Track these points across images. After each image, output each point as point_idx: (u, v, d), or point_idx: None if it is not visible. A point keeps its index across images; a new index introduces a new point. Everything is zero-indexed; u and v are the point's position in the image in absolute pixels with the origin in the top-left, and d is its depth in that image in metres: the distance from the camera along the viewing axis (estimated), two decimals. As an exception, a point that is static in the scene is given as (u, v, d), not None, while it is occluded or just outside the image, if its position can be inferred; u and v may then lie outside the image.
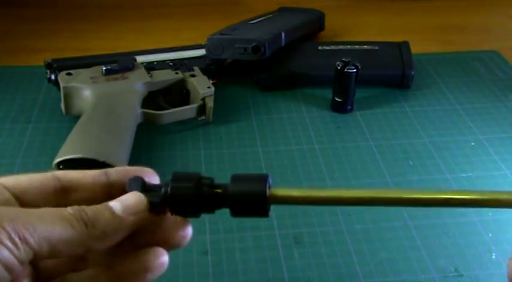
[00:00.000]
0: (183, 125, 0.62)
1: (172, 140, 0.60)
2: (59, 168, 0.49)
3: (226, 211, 0.31)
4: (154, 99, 0.62)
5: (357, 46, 0.73)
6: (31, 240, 0.25)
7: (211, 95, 0.61)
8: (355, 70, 0.62)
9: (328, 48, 0.73)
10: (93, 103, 0.56)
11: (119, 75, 0.60)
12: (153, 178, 0.32)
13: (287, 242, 0.48)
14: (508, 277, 0.31)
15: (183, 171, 0.32)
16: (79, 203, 0.29)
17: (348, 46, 0.73)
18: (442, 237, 0.48)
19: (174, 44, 0.69)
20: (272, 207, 0.31)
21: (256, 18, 0.76)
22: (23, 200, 0.29)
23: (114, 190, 0.31)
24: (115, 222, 0.28)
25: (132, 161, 0.52)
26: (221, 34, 0.66)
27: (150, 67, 0.63)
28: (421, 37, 0.84)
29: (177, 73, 0.63)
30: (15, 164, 0.55)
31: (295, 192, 0.32)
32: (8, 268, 0.24)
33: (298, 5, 0.86)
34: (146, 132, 0.60)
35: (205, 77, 0.63)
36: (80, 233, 0.27)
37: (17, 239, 0.25)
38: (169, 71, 0.63)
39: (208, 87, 0.61)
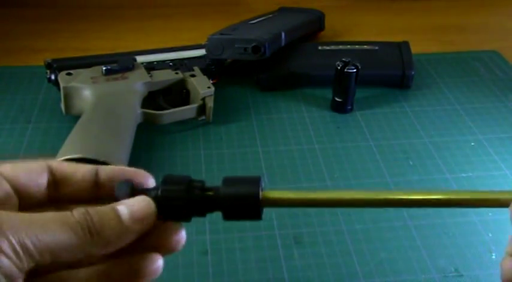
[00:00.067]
0: (183, 125, 0.62)
1: (172, 140, 0.60)
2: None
3: (226, 211, 0.31)
4: (154, 99, 0.62)
5: (357, 46, 0.73)
6: (33, 251, 0.25)
7: (211, 95, 0.61)
8: (355, 70, 0.62)
9: (328, 48, 0.73)
10: (93, 103, 0.56)
11: (119, 75, 0.60)
12: (149, 181, 0.32)
13: (287, 242, 0.48)
14: (502, 278, 0.31)
15: (173, 174, 0.31)
16: (69, 196, 0.29)
17: (348, 46, 0.73)
18: (442, 237, 0.48)
19: (174, 44, 0.69)
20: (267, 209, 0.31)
21: (256, 18, 0.76)
22: (20, 191, 0.29)
23: (103, 189, 0.31)
24: (120, 230, 0.28)
25: (132, 161, 0.52)
26: (221, 34, 0.66)
27: (150, 67, 0.63)
28: (421, 37, 0.84)
29: (177, 73, 0.63)
30: (15, 164, 0.55)
31: (288, 195, 0.31)
32: (8, 277, 0.24)
33: (298, 5, 0.86)
34: (146, 132, 0.60)
35: (205, 77, 0.63)
36: (84, 241, 0.27)
37: (19, 249, 0.24)
38: (169, 71, 0.63)
39: (208, 87, 0.61)
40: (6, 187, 0.29)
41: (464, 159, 0.58)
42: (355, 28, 0.88)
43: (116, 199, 0.30)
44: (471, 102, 0.68)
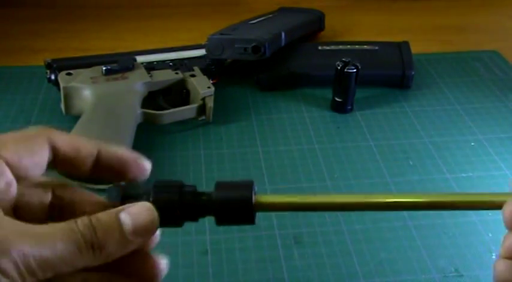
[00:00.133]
0: (183, 125, 0.62)
1: (172, 140, 0.60)
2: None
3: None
4: (154, 99, 0.62)
5: (357, 46, 0.73)
6: (37, 270, 0.25)
7: (211, 95, 0.61)
8: (355, 70, 0.61)
9: (328, 48, 0.73)
10: (93, 103, 0.56)
11: (119, 75, 0.60)
12: (144, 173, 0.32)
13: (287, 242, 0.48)
14: (495, 279, 0.31)
15: (163, 178, 0.31)
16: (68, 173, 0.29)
17: (348, 46, 0.73)
18: (442, 237, 0.48)
19: (174, 44, 0.69)
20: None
21: (256, 18, 0.76)
22: (20, 175, 0.28)
23: (101, 169, 0.31)
24: (123, 245, 0.28)
25: (132, 161, 0.52)
26: (221, 34, 0.66)
27: (150, 67, 0.63)
28: (421, 37, 0.84)
29: (177, 73, 0.63)
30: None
31: (281, 199, 0.31)
32: None
33: (298, 5, 0.86)
34: (146, 132, 0.60)
35: (205, 77, 0.63)
36: (87, 257, 0.26)
37: (23, 269, 0.24)
38: (169, 71, 0.63)
39: (208, 87, 0.61)
40: (9, 178, 0.28)
41: (464, 159, 0.58)
42: (355, 28, 0.88)
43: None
44: (471, 102, 0.68)
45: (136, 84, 0.59)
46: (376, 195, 0.32)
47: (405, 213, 0.51)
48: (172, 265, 0.45)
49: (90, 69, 0.60)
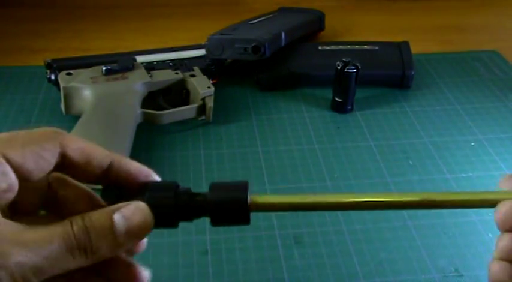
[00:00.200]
0: (183, 125, 0.62)
1: (172, 140, 0.60)
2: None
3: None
4: (154, 99, 0.62)
5: (357, 46, 0.73)
6: (33, 279, 0.25)
7: (211, 95, 0.61)
8: (355, 70, 0.62)
9: (328, 48, 0.73)
10: (93, 103, 0.56)
11: (119, 75, 0.60)
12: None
13: (287, 242, 0.48)
14: (489, 280, 0.31)
15: (160, 180, 0.31)
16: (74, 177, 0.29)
17: (348, 46, 0.73)
18: (442, 237, 0.48)
19: (174, 44, 0.69)
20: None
21: (256, 18, 0.76)
22: (23, 177, 0.28)
23: (108, 178, 0.31)
24: (115, 247, 0.28)
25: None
26: (221, 34, 0.66)
27: (150, 67, 0.63)
28: (421, 37, 0.84)
29: (177, 73, 0.63)
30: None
31: (275, 199, 0.31)
32: None
33: (298, 5, 0.86)
34: (146, 132, 0.60)
35: (205, 77, 0.63)
36: (78, 259, 0.27)
37: (19, 279, 0.24)
38: (169, 71, 0.63)
39: (208, 87, 0.61)
40: (11, 179, 0.27)
41: (464, 159, 0.58)
42: (355, 28, 0.88)
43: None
44: (471, 102, 0.68)
45: (136, 84, 0.59)
46: (371, 195, 0.32)
47: (405, 213, 0.51)
48: (173, 265, 0.45)
49: (90, 69, 0.60)
